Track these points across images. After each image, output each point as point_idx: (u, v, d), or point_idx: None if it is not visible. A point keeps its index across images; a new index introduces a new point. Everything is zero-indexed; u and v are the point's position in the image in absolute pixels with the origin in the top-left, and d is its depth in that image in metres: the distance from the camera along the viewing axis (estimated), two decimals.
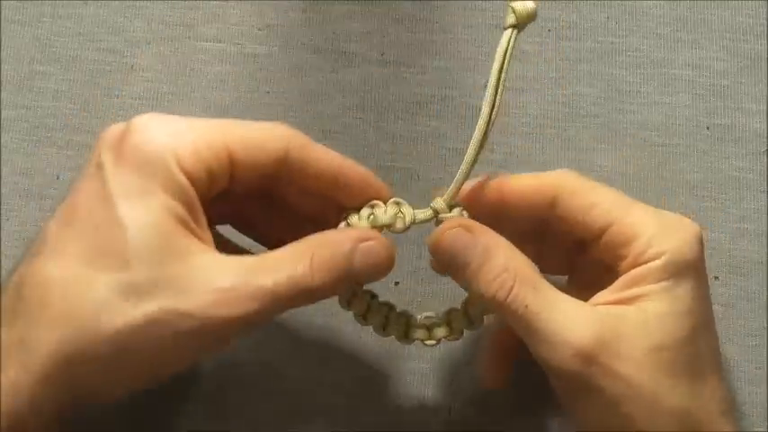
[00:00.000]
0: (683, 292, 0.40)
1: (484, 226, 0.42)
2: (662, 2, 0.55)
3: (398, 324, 0.44)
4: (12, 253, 0.51)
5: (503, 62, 0.42)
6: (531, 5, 0.42)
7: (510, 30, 0.42)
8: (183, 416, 0.48)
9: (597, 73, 0.54)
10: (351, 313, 0.44)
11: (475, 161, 0.42)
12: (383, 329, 0.44)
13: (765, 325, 0.50)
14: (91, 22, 0.54)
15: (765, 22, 0.54)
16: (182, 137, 0.39)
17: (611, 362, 0.39)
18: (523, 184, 0.43)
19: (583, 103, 0.53)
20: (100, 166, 0.39)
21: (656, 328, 0.40)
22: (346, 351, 0.49)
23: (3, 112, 0.53)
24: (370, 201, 0.44)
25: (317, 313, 0.49)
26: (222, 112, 0.53)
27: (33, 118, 0.53)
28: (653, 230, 0.41)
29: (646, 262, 0.40)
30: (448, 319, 0.44)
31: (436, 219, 0.43)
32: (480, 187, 0.44)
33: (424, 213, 0.43)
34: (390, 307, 0.45)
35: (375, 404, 0.49)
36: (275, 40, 0.54)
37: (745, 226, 0.51)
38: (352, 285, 0.43)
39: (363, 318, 0.44)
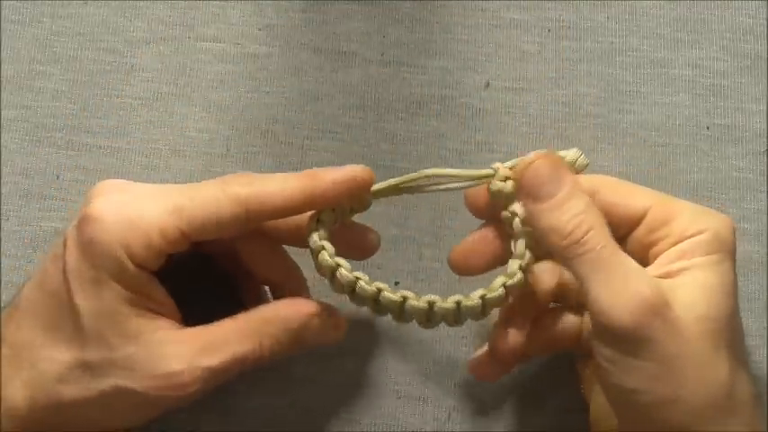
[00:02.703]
0: (728, 269, 0.41)
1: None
2: (662, 2, 0.55)
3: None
4: (12, 253, 0.51)
5: None
6: (584, 162, 0.44)
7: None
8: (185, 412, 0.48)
9: (597, 73, 0.54)
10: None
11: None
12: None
13: (765, 325, 0.50)
14: (91, 22, 0.54)
15: (765, 22, 0.54)
16: (133, 229, 0.42)
17: (674, 316, 0.39)
18: None
19: (583, 103, 0.53)
20: (65, 246, 0.42)
21: (705, 299, 0.40)
22: (346, 351, 0.49)
23: (3, 112, 0.53)
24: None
25: None
26: (222, 112, 0.53)
27: (33, 118, 0.53)
28: (693, 211, 0.43)
29: (689, 238, 0.41)
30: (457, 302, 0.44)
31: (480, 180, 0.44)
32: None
33: (484, 170, 0.45)
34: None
35: (374, 405, 0.49)
36: (275, 40, 0.54)
37: (745, 226, 0.51)
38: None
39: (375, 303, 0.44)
